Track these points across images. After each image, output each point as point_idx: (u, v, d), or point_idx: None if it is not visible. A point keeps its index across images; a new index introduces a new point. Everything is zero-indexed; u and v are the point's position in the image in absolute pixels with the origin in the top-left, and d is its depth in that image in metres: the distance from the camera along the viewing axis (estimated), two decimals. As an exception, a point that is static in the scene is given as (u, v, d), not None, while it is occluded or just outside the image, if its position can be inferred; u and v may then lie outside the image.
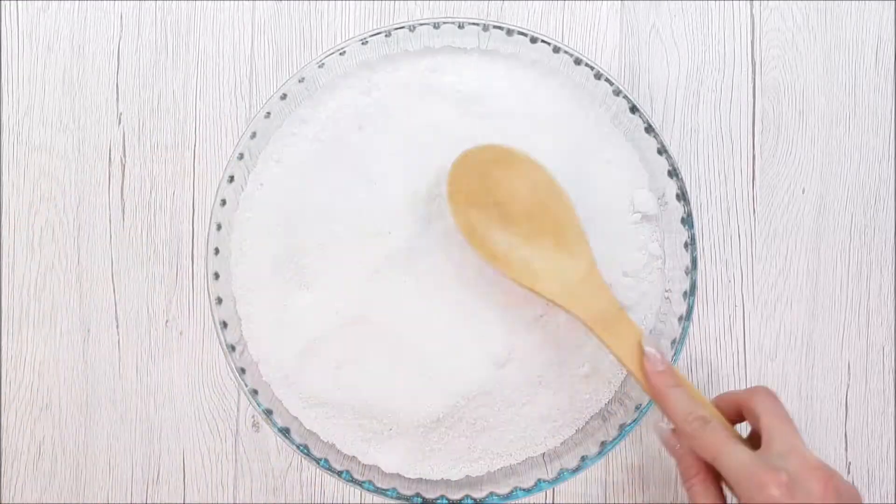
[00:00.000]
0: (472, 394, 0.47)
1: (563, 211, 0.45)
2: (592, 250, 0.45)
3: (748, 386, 0.51)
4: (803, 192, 0.52)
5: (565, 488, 0.51)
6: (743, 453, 0.38)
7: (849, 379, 0.52)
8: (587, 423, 0.49)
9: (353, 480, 0.47)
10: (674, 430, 0.42)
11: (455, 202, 0.46)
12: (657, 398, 0.42)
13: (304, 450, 0.47)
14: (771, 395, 0.41)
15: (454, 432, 0.48)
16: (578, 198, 0.46)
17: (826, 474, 0.37)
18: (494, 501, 0.47)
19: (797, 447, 0.38)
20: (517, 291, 0.46)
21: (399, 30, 0.49)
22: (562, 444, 0.49)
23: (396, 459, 0.48)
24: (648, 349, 0.43)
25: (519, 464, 0.49)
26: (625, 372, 0.48)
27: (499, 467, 0.49)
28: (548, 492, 0.50)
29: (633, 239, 0.49)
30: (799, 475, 0.37)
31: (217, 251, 0.49)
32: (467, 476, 0.48)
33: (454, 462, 0.48)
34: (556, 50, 0.49)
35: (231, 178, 0.49)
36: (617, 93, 0.48)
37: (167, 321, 0.52)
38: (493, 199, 0.46)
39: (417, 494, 0.47)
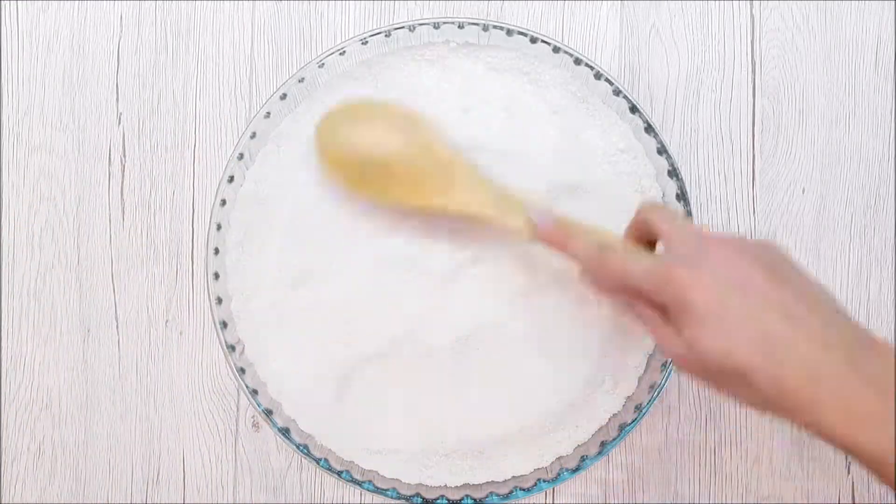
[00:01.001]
0: (479, 445, 0.47)
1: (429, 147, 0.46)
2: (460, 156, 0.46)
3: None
4: (803, 191, 0.52)
5: (565, 488, 0.51)
6: (645, 259, 0.38)
7: (849, 379, 0.52)
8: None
9: (353, 480, 0.47)
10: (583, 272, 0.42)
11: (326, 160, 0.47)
12: (561, 253, 0.42)
13: (304, 450, 0.47)
14: (661, 206, 0.42)
15: (453, 457, 0.48)
16: (588, 189, 0.47)
17: (724, 238, 0.37)
18: (494, 501, 0.47)
19: (695, 233, 0.37)
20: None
21: (399, 30, 0.49)
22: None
23: (393, 468, 0.48)
24: (534, 215, 0.43)
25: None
26: (639, 378, 0.48)
27: (501, 480, 0.48)
28: (548, 492, 0.50)
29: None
30: (698, 250, 0.36)
31: (217, 251, 0.49)
32: (466, 483, 0.48)
33: (451, 474, 0.48)
34: (556, 50, 0.49)
35: (231, 178, 0.49)
36: (617, 93, 0.48)
37: (167, 321, 0.52)
38: (364, 156, 0.47)
39: (417, 495, 0.47)
